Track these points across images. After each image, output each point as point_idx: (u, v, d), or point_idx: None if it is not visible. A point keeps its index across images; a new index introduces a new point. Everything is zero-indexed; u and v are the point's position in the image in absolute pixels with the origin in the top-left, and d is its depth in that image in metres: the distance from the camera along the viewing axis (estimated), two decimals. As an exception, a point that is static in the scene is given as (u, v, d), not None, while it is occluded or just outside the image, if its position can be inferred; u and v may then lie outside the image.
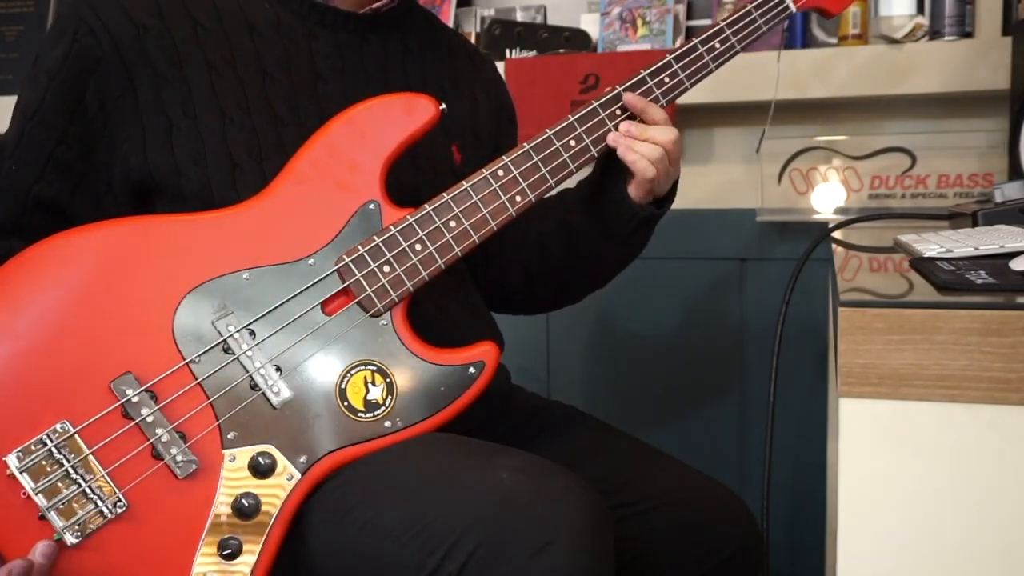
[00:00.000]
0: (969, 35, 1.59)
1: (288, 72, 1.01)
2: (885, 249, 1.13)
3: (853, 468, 0.78)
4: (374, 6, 1.06)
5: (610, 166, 1.06)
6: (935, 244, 0.96)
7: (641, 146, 1.01)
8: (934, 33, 1.59)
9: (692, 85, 1.05)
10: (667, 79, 1.04)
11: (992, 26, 1.60)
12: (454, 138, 1.11)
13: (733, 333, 1.82)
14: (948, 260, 0.91)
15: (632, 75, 1.04)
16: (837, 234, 1.26)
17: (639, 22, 1.81)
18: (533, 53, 1.83)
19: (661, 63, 1.04)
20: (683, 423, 1.87)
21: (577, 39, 1.85)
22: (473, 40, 1.93)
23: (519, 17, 1.95)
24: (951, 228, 1.18)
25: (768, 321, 1.78)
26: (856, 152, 1.71)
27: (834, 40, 1.69)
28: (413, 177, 1.04)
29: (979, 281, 0.80)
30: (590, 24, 1.87)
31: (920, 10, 1.62)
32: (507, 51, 1.84)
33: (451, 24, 1.93)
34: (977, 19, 1.60)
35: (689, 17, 1.83)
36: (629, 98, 1.02)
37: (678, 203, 1.13)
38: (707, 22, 1.81)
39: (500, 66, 1.73)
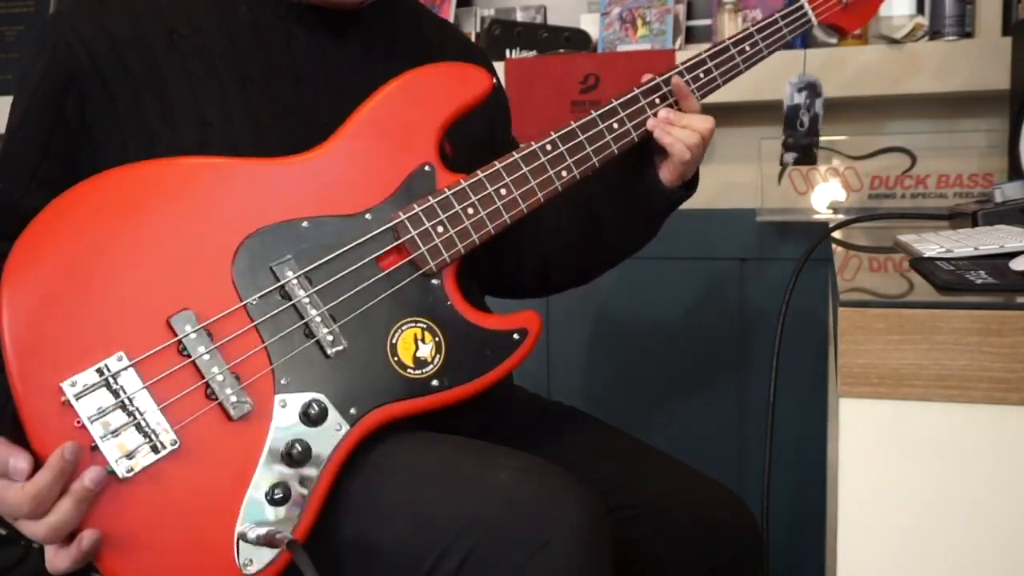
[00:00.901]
0: (969, 35, 1.59)
1: (269, 75, 1.01)
2: (885, 249, 1.13)
3: (853, 468, 0.78)
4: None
5: (639, 155, 1.09)
6: (935, 244, 0.96)
7: (678, 131, 1.05)
8: (934, 33, 1.59)
9: (724, 83, 1.11)
10: (702, 75, 1.10)
11: (992, 26, 1.60)
12: None
13: (733, 333, 1.82)
14: (948, 260, 0.91)
15: (671, 68, 1.09)
16: (837, 234, 1.26)
17: (639, 22, 1.81)
18: (533, 53, 1.83)
19: (696, 59, 1.10)
20: (683, 423, 1.87)
21: (577, 39, 1.85)
22: (472, 40, 1.93)
23: (519, 17, 1.95)
24: (951, 228, 1.18)
25: (768, 321, 1.78)
26: (856, 152, 1.71)
27: (834, 40, 1.69)
28: None
29: (979, 281, 0.80)
30: (590, 24, 1.87)
31: (920, 10, 1.62)
32: (507, 51, 1.84)
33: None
34: (977, 19, 1.60)
35: (689, 17, 1.83)
36: (677, 81, 1.07)
37: (678, 203, 1.13)
38: (707, 22, 1.81)
39: (500, 66, 1.74)
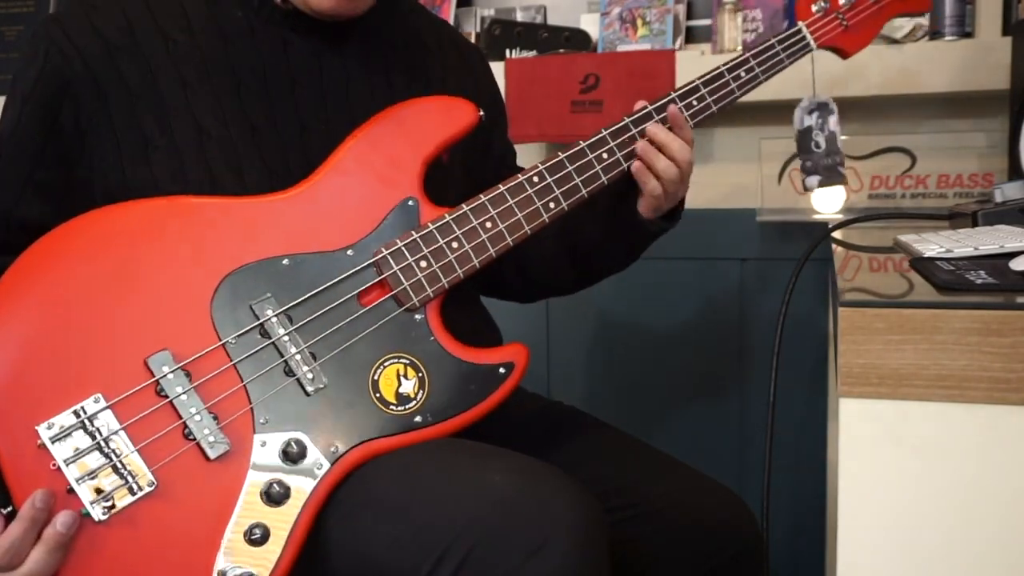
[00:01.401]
0: (969, 35, 1.59)
1: (264, 81, 1.00)
2: (885, 249, 1.13)
3: (853, 468, 0.78)
4: (341, 12, 1.01)
5: (625, 182, 1.08)
6: (935, 244, 0.96)
7: (663, 164, 1.04)
8: (934, 33, 1.59)
9: (718, 109, 1.09)
10: (695, 102, 1.08)
11: (992, 26, 1.60)
12: None
13: (733, 333, 1.82)
14: (948, 260, 0.91)
15: (661, 96, 1.07)
16: (837, 234, 1.26)
17: (639, 22, 1.81)
18: (533, 53, 1.83)
19: (689, 86, 1.08)
20: (683, 423, 1.87)
21: (577, 39, 1.85)
22: (473, 40, 1.93)
23: (519, 17, 1.95)
24: (951, 228, 1.18)
25: (768, 321, 1.78)
26: (856, 152, 1.71)
27: (834, 40, 1.69)
28: None
29: (979, 281, 0.80)
30: (590, 24, 1.87)
31: (920, 10, 1.62)
32: (507, 51, 1.84)
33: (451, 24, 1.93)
34: (977, 19, 1.60)
35: (689, 17, 1.83)
36: (674, 111, 1.05)
37: (678, 203, 1.13)
38: (707, 22, 1.81)
39: (500, 66, 1.73)
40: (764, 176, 1.76)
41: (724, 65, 1.10)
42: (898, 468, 0.77)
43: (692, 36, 1.83)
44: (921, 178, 1.69)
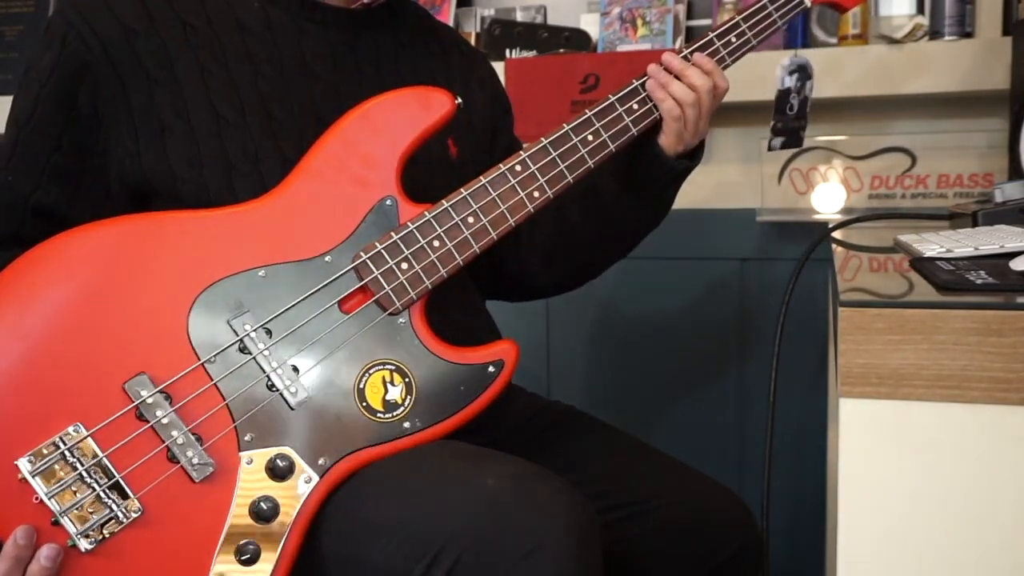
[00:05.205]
0: (969, 35, 1.59)
1: (280, 71, 1.01)
2: (885, 249, 1.13)
3: (853, 468, 0.78)
4: (364, 1, 1.05)
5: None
6: (935, 244, 0.96)
7: (676, 87, 1.01)
8: (934, 33, 1.59)
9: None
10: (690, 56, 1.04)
11: (992, 26, 1.60)
12: (450, 132, 1.10)
13: (733, 333, 1.82)
14: (948, 260, 0.91)
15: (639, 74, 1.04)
16: (837, 234, 1.26)
17: (639, 22, 1.81)
18: (533, 53, 1.83)
19: (684, 53, 1.04)
20: (683, 423, 1.87)
21: (577, 39, 1.85)
22: (473, 40, 1.93)
23: (519, 17, 1.95)
24: (951, 228, 1.18)
25: (768, 321, 1.78)
26: (856, 152, 1.71)
27: (834, 40, 1.69)
28: (409, 172, 1.04)
29: (979, 281, 0.80)
30: (590, 24, 1.87)
31: (920, 10, 1.62)
32: (507, 51, 1.84)
33: (451, 24, 1.93)
34: (977, 19, 1.60)
35: (689, 17, 1.83)
36: (667, 57, 1.02)
37: (678, 203, 1.13)
38: (707, 22, 1.81)
39: (500, 66, 1.73)
40: (764, 176, 1.76)
41: (714, 32, 1.05)
42: (898, 468, 0.77)
43: (692, 36, 1.83)
44: (921, 178, 1.69)
